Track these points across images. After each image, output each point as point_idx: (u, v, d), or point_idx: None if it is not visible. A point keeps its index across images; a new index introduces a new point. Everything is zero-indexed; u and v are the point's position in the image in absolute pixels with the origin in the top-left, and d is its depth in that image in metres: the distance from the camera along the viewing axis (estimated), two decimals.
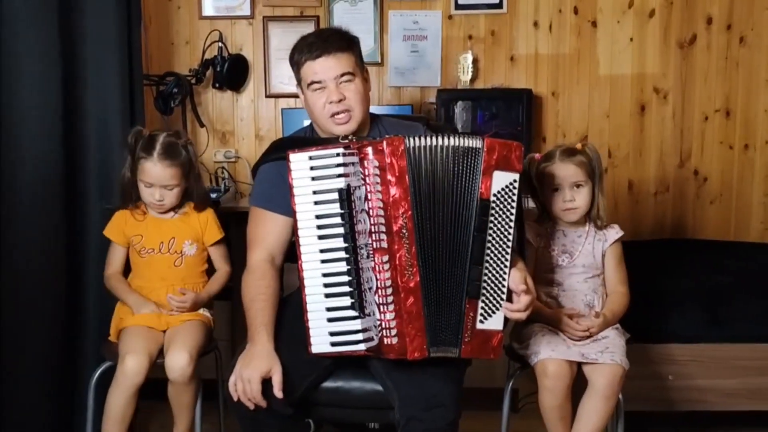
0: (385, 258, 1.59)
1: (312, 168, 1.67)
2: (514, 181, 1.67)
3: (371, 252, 1.61)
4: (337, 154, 1.66)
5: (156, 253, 2.11)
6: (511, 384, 2.01)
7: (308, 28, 3.05)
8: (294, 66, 1.85)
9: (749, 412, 2.41)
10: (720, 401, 2.35)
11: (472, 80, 3.03)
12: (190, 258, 2.14)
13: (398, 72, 3.08)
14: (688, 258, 2.77)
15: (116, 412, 1.98)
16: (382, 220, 1.60)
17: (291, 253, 2.02)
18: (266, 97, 3.13)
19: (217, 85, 3.03)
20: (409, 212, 1.60)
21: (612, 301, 2.01)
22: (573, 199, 1.98)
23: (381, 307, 1.60)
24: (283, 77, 3.10)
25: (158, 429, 2.54)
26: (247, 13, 3.08)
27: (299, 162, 1.68)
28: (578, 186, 1.98)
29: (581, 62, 3.09)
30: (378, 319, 1.61)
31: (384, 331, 1.59)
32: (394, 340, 1.59)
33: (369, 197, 1.60)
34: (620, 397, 1.91)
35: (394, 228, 1.59)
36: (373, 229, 1.60)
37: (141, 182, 2.08)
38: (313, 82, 1.80)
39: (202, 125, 3.03)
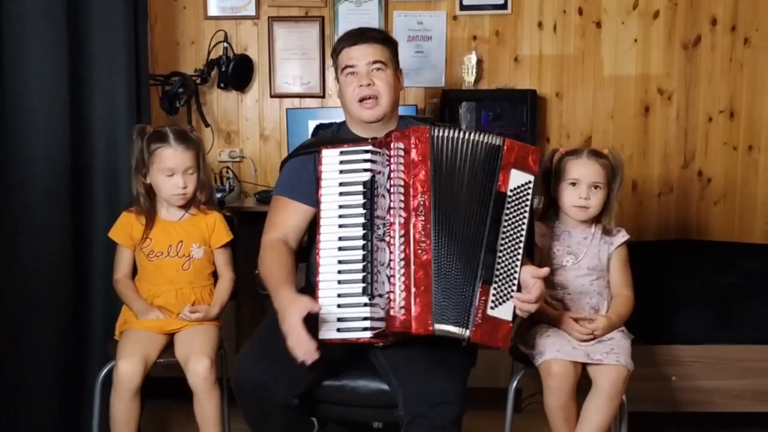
0: (401, 232, 1.64)
1: (341, 162, 1.76)
2: (529, 182, 1.74)
3: (388, 227, 1.65)
4: (366, 151, 1.74)
5: (164, 257, 2.11)
6: (515, 384, 2.01)
7: (313, 28, 3.07)
8: (333, 55, 1.98)
9: (755, 413, 2.41)
10: (725, 402, 2.35)
11: (477, 81, 3.04)
12: (197, 261, 2.14)
13: (403, 72, 3.08)
14: (693, 259, 2.77)
15: (120, 416, 1.99)
16: (402, 197, 1.66)
17: (300, 253, 2.04)
18: (271, 97, 3.14)
19: (222, 85, 3.04)
20: (428, 192, 1.67)
21: (617, 304, 2.01)
22: (588, 198, 1.98)
23: (391, 279, 1.63)
24: (287, 77, 3.11)
25: (168, 429, 2.55)
26: (252, 13, 3.08)
27: (330, 157, 1.77)
28: (596, 187, 1.99)
29: (585, 63, 3.09)
30: (387, 292, 1.63)
31: (391, 303, 1.62)
32: (400, 313, 1.61)
33: (391, 176, 1.67)
34: (624, 397, 1.92)
35: (412, 204, 1.65)
36: (392, 205, 1.66)
37: (160, 174, 2.06)
38: (346, 67, 1.91)
39: (207, 125, 3.04)
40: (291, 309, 1.63)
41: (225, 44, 3.01)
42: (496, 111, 2.94)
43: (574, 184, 1.99)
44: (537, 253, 2.01)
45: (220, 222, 2.18)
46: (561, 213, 2.07)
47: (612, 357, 1.87)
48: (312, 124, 2.90)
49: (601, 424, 1.87)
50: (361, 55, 1.89)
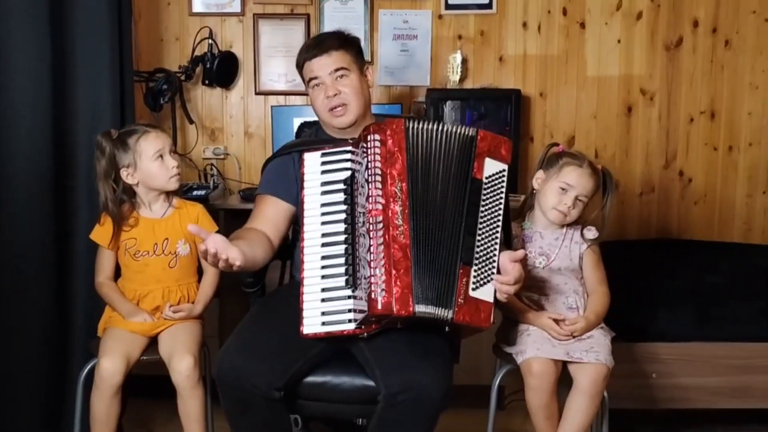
0: (379, 218, 1.66)
1: (323, 164, 1.80)
2: (503, 171, 1.78)
3: (367, 214, 1.67)
4: (347, 152, 1.79)
5: (151, 256, 2.10)
6: (497, 382, 2.03)
7: (298, 26, 3.06)
8: (297, 68, 2.01)
9: (731, 410, 2.45)
10: (703, 399, 2.39)
11: (462, 80, 3.05)
12: (183, 258, 2.14)
13: (388, 71, 3.10)
14: (673, 258, 2.80)
15: (100, 414, 1.99)
16: (379, 185, 1.68)
17: (285, 250, 2.04)
18: (256, 94, 3.13)
19: (206, 81, 3.02)
20: (405, 180, 1.70)
21: (594, 302, 2.02)
22: (572, 207, 2.00)
23: (371, 263, 1.64)
24: (272, 74, 3.11)
25: (151, 426, 2.55)
26: (238, 10, 3.07)
27: (312, 159, 1.82)
28: (580, 200, 2.00)
29: (569, 63, 3.12)
30: (368, 276, 1.64)
31: (372, 286, 1.63)
32: (381, 295, 1.62)
33: (369, 167, 1.69)
34: (605, 394, 1.94)
35: (390, 190, 1.68)
36: (370, 194, 1.68)
37: (150, 162, 2.05)
38: (311, 79, 1.95)
39: (191, 122, 3.03)
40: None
41: (210, 41, 3.00)
42: (481, 110, 2.96)
43: (564, 189, 2.00)
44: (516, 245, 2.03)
45: (203, 215, 2.18)
46: (533, 214, 2.09)
47: (592, 355, 1.89)
48: (297, 122, 2.92)
49: (583, 422, 1.89)
50: (323, 66, 1.92)
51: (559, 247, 2.03)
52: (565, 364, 1.92)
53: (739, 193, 3.16)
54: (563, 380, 1.93)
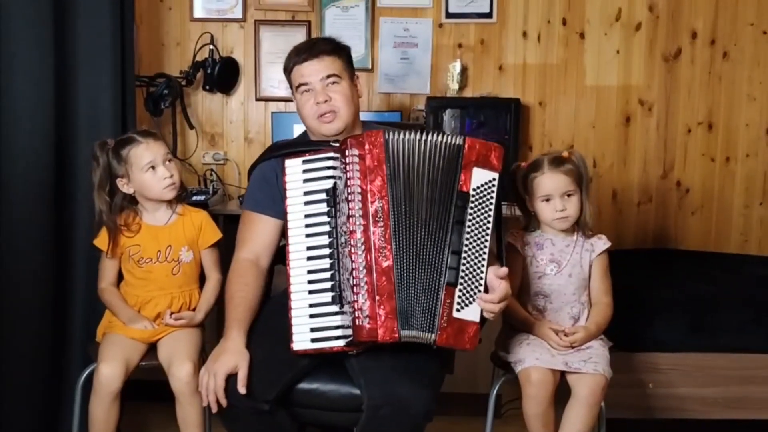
0: (362, 240, 1.63)
1: (305, 171, 1.75)
2: (493, 179, 1.71)
3: (349, 235, 1.65)
4: (328, 158, 1.73)
5: (154, 263, 2.10)
6: (495, 390, 2.02)
7: (299, 32, 3.07)
8: (285, 72, 1.94)
9: (728, 420, 2.46)
10: (700, 410, 2.39)
11: (461, 88, 3.06)
12: (186, 265, 2.13)
13: (388, 78, 3.11)
14: (670, 267, 2.82)
15: (98, 420, 1.98)
16: (360, 205, 1.64)
17: (281, 255, 2.04)
18: (256, 100, 3.14)
19: (207, 87, 3.03)
20: (386, 197, 1.65)
21: (597, 313, 2.02)
22: (564, 208, 1.99)
23: (354, 288, 1.62)
24: (273, 80, 3.12)
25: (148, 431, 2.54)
26: (239, 16, 3.09)
27: (294, 167, 1.76)
28: (569, 195, 2.00)
29: (568, 73, 3.13)
30: (351, 301, 1.62)
31: (357, 312, 1.61)
32: (366, 322, 1.60)
33: (348, 183, 1.66)
34: (603, 404, 1.94)
35: (371, 211, 1.64)
36: (350, 213, 1.65)
37: (142, 174, 2.04)
38: (300, 85, 1.88)
39: (191, 127, 3.03)
40: (225, 359, 1.66)
41: (211, 46, 3.01)
42: (480, 119, 2.97)
43: (547, 199, 2.00)
44: (520, 261, 2.03)
45: (207, 221, 2.17)
46: (542, 224, 2.09)
47: (590, 366, 1.89)
48: (297, 128, 2.91)
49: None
50: (314, 71, 1.85)
51: (570, 254, 2.04)
52: (563, 373, 1.92)
53: (736, 203, 3.18)
54: (560, 390, 1.93)
